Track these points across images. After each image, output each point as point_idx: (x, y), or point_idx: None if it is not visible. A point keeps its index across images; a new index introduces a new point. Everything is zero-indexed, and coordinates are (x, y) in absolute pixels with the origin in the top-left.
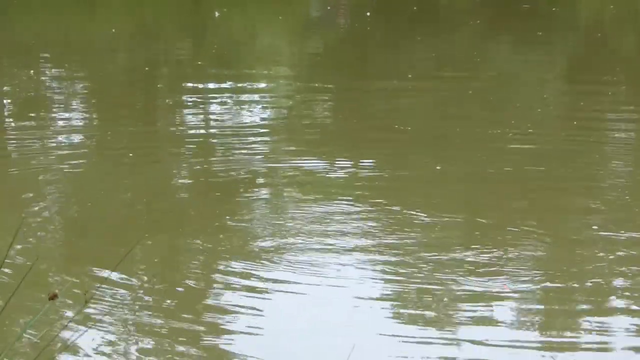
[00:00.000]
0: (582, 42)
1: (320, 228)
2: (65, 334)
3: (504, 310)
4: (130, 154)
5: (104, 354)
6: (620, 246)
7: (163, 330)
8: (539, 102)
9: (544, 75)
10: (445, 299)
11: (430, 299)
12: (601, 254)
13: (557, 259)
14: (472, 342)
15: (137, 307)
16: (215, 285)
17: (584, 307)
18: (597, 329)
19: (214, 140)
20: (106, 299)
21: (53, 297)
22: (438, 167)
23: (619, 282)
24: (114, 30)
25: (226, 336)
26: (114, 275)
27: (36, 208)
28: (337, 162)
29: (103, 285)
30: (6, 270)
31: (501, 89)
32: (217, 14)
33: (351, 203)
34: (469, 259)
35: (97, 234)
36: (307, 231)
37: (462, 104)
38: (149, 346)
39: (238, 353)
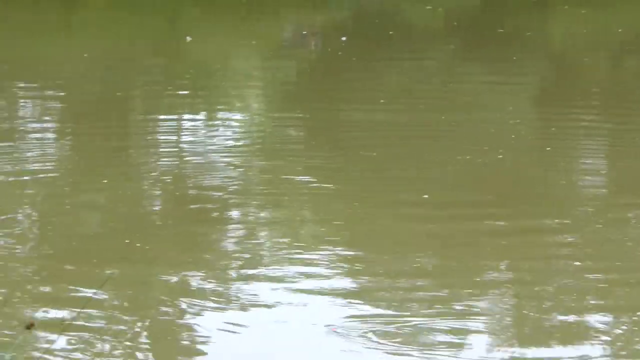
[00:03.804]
0: (555, 66)
1: (291, 253)
2: None
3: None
4: (105, 180)
5: None
6: (597, 285)
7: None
8: (513, 128)
9: (518, 100)
10: (416, 337)
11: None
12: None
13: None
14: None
15: (112, 334)
16: (189, 310)
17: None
18: None
19: (186, 164)
20: (83, 327)
21: (30, 326)
22: (425, 196)
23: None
24: (86, 55)
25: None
26: (91, 302)
27: (6, 235)
28: (308, 187)
29: (81, 312)
30: None
31: (474, 114)
32: (188, 38)
33: (320, 228)
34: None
35: (72, 259)
36: (277, 257)
37: (435, 129)
38: None
39: None
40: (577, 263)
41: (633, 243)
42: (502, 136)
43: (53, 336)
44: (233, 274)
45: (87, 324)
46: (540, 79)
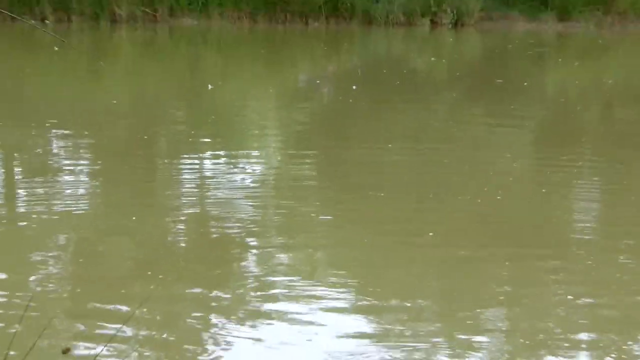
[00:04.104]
0: (550, 113)
1: (302, 277)
2: None
3: None
4: (134, 217)
5: None
6: (585, 307)
7: None
8: (510, 170)
9: (515, 145)
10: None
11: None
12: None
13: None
14: None
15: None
16: (212, 326)
17: None
18: None
19: (208, 200)
20: (122, 340)
21: (66, 350)
22: (431, 233)
23: None
24: (115, 101)
25: None
26: (123, 327)
27: (43, 264)
28: (319, 220)
29: (119, 331)
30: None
31: (474, 157)
32: (210, 86)
33: (329, 255)
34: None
35: (106, 284)
36: (290, 280)
37: (438, 171)
38: None
39: None
40: (567, 288)
41: (618, 270)
42: (501, 178)
43: (93, 352)
44: (250, 294)
45: (125, 336)
46: (536, 125)
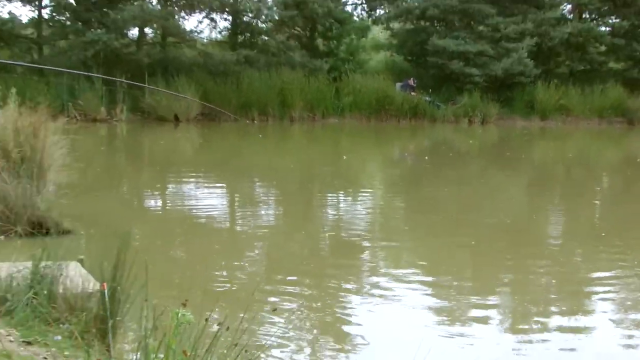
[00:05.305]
0: (536, 173)
1: (393, 265)
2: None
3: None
4: (303, 232)
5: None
6: (560, 286)
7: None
8: (513, 203)
9: (516, 191)
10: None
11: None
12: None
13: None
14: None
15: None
16: (341, 294)
17: None
18: None
19: (340, 220)
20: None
21: (274, 309)
22: (473, 242)
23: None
24: (292, 165)
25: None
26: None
27: (249, 257)
28: (405, 231)
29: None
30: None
31: (492, 197)
32: (344, 157)
33: (410, 251)
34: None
35: (293, 273)
36: (384, 267)
37: (471, 203)
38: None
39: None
40: (545, 272)
41: (576, 263)
42: (507, 207)
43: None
44: (363, 272)
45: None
46: (528, 178)
